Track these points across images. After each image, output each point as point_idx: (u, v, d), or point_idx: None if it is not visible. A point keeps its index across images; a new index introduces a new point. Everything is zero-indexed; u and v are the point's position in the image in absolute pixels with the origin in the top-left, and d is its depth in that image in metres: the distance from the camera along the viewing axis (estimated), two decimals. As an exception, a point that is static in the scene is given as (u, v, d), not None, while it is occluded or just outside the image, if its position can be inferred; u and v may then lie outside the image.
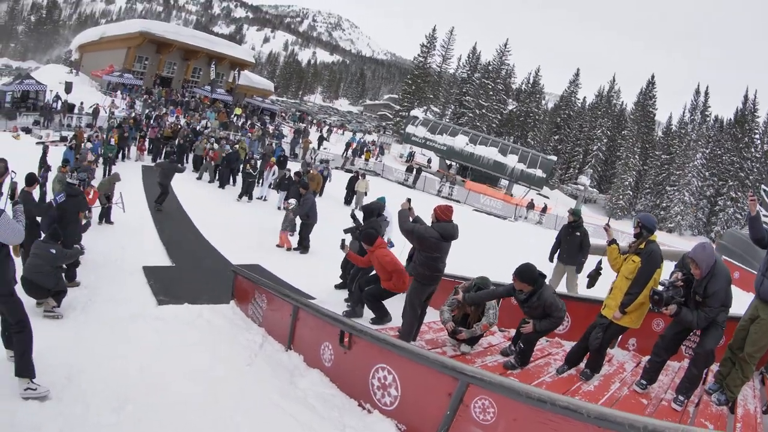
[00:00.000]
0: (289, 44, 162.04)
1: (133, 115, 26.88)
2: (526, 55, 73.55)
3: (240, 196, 16.84)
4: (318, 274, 9.65)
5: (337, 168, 28.11)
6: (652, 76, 57.63)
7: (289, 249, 11.71)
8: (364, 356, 4.49)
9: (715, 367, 5.07)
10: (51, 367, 4.34)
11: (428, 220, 5.98)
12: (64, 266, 6.80)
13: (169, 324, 6.09)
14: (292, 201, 12.12)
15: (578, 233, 8.76)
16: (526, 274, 4.97)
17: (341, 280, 8.86)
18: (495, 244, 18.90)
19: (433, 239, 5.59)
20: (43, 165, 13.68)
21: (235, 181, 18.57)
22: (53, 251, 6.14)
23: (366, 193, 19.07)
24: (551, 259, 8.97)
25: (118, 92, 36.44)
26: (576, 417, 3.01)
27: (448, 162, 42.96)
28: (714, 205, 48.47)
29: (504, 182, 41.82)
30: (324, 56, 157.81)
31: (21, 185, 7.46)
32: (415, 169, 34.65)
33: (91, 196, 10.45)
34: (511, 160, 40.25)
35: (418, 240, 5.67)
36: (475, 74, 59.40)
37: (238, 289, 7.07)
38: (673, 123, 55.62)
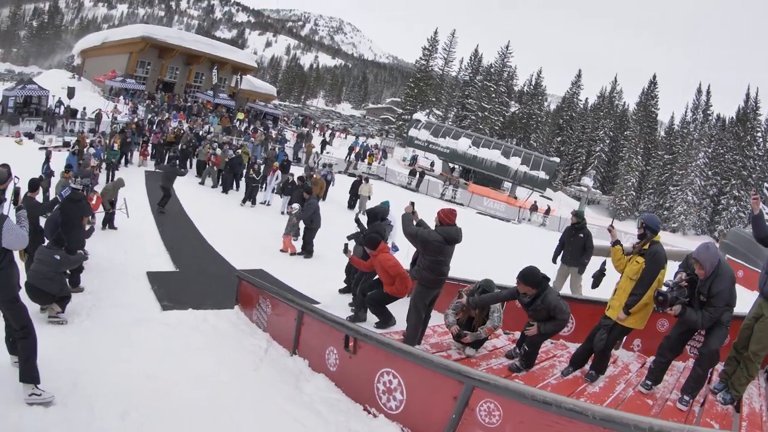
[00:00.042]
0: (291, 48, 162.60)
1: (135, 120, 27.00)
2: (528, 57, 73.54)
3: (243, 201, 16.84)
4: (322, 278, 9.64)
5: (340, 172, 28.10)
6: (654, 76, 57.68)
7: (292, 254, 11.70)
8: (369, 360, 4.48)
9: (720, 366, 5.05)
10: (56, 373, 4.34)
11: (432, 224, 5.98)
12: (68, 272, 6.82)
13: (173, 329, 6.10)
14: (296, 206, 12.12)
15: (581, 235, 8.74)
16: (530, 277, 4.97)
17: (345, 285, 8.86)
18: (499, 246, 18.85)
19: (437, 243, 5.58)
20: (46, 170, 13.73)
21: (238, 186, 18.57)
22: (57, 257, 6.14)
23: (369, 197, 18.97)
24: (554, 261, 8.95)
25: (121, 97, 36.54)
26: (582, 419, 3.01)
27: (451, 165, 42.96)
28: (717, 204, 48.27)
29: (507, 185, 41.77)
30: (326, 60, 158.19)
31: (24, 190, 7.52)
32: (418, 173, 34.64)
33: (94, 202, 10.48)
34: (514, 163, 40.23)
35: (422, 244, 5.67)
36: (477, 77, 59.31)
37: (243, 294, 7.08)
38: (676, 123, 55.63)
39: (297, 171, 19.10)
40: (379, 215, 8.41)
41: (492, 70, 58.28)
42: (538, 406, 3.22)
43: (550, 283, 5.26)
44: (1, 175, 5.25)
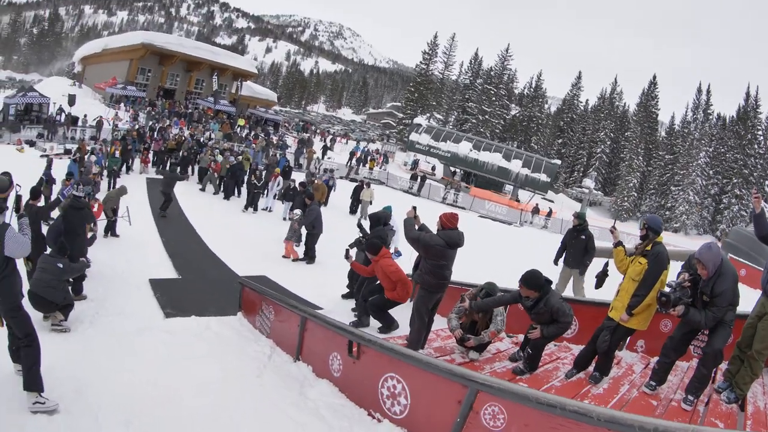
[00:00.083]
0: (291, 54, 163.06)
1: (136, 127, 27.07)
2: (528, 60, 73.76)
3: (245, 208, 16.87)
4: (324, 284, 9.64)
5: (341, 177, 28.09)
6: (654, 76, 57.58)
7: (295, 259, 11.70)
8: (373, 366, 4.48)
9: (723, 365, 5.04)
10: (59, 381, 4.35)
11: (434, 228, 5.98)
12: (71, 279, 6.83)
13: (176, 336, 6.11)
14: (297, 211, 12.13)
15: (583, 236, 8.74)
16: (532, 280, 4.97)
17: (348, 290, 8.85)
18: (501, 249, 18.80)
19: (439, 247, 5.58)
20: (47, 176, 13.74)
21: (239, 193, 18.60)
22: (60, 265, 6.16)
23: (371, 202, 18.91)
24: (556, 263, 8.94)
25: (122, 104, 36.65)
26: (586, 421, 3.00)
27: (452, 169, 42.91)
28: (719, 204, 48.18)
29: (509, 187, 41.75)
30: (326, 65, 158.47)
31: (26, 198, 7.54)
32: (419, 177, 34.65)
33: (96, 209, 10.50)
34: (516, 165, 40.18)
35: (424, 248, 5.67)
36: (477, 80, 59.29)
37: (246, 301, 7.09)
38: (676, 123, 55.59)
39: (298, 177, 19.12)
40: (381, 220, 8.43)
41: (492, 73, 58.29)
42: (543, 409, 3.22)
43: (553, 286, 5.26)
44: (2, 184, 5.23)
